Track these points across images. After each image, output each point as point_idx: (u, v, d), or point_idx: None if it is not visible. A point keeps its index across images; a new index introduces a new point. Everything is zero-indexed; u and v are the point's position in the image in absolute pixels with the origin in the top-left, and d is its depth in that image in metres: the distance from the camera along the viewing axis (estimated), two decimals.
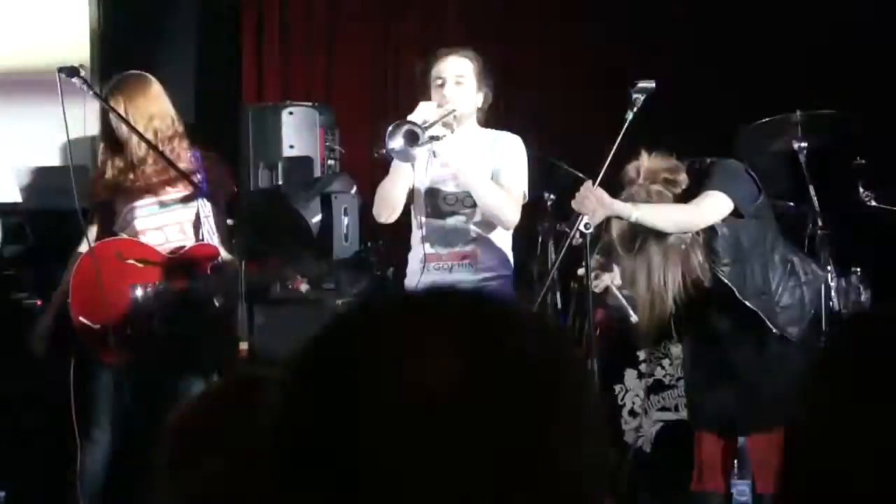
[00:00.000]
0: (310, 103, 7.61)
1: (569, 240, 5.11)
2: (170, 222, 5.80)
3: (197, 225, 5.85)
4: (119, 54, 8.07)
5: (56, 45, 8.55)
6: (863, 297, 6.30)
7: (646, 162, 5.06)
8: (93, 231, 5.76)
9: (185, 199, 5.78)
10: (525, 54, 8.34)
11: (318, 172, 7.09)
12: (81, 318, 5.61)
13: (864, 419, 1.54)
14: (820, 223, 6.24)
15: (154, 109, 5.73)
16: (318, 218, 6.78)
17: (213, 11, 8.75)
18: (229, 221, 5.97)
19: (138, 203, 5.73)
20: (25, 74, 8.67)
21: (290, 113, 7.35)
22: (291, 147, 7.18)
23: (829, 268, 6.03)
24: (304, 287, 5.70)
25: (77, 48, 8.49)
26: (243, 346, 5.40)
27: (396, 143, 5.20)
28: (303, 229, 6.61)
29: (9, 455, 6.53)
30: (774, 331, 5.08)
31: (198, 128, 6.76)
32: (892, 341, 1.60)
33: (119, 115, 5.61)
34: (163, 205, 5.78)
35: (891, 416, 1.52)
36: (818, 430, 1.59)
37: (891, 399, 1.54)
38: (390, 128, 5.23)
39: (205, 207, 5.78)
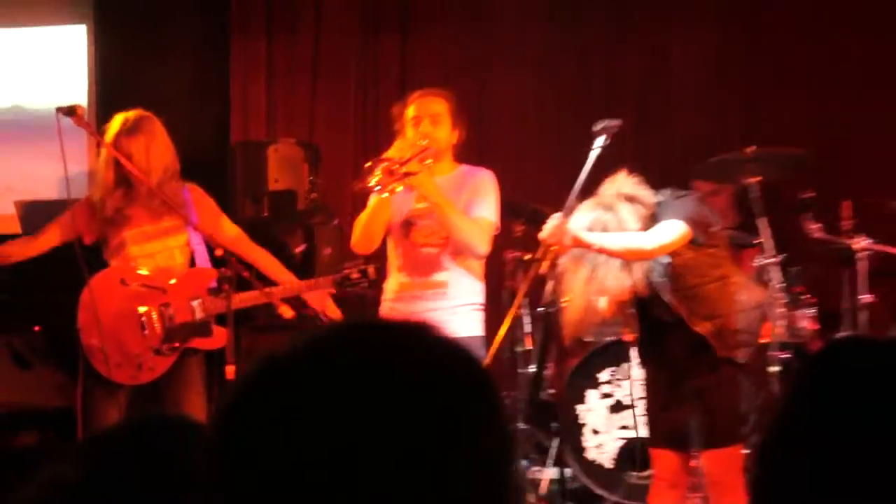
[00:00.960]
0: (293, 140, 7.79)
1: (535, 269, 5.13)
2: (159, 250, 5.77)
3: (185, 252, 5.84)
4: (115, 93, 8.15)
5: (54, 84, 8.71)
6: (805, 324, 6.39)
7: (620, 182, 5.06)
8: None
9: (175, 230, 5.77)
10: (499, 91, 8.27)
11: (301, 205, 7.29)
12: (92, 340, 5.59)
13: (820, 439, 1.62)
14: (770, 253, 6.19)
15: (169, 150, 5.77)
16: (301, 248, 6.92)
17: (204, 51, 8.84)
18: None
19: (129, 234, 5.74)
20: (26, 112, 8.81)
21: (276, 150, 7.55)
22: (276, 181, 7.41)
23: (777, 294, 6.06)
24: (287, 313, 5.70)
25: (75, 87, 8.66)
26: (230, 369, 5.43)
27: (375, 177, 5.19)
28: (287, 258, 6.63)
29: (18, 468, 6.63)
30: (725, 353, 5.00)
31: (188, 162, 6.83)
32: (871, 370, 1.66)
33: (121, 156, 5.57)
34: (154, 235, 5.76)
35: (869, 433, 1.59)
36: (777, 447, 1.68)
37: (869, 421, 1.61)
38: (369, 164, 5.26)
39: (195, 237, 5.76)
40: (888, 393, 1.61)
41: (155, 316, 5.66)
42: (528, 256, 5.97)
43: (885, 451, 1.56)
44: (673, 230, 4.91)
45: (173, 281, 5.74)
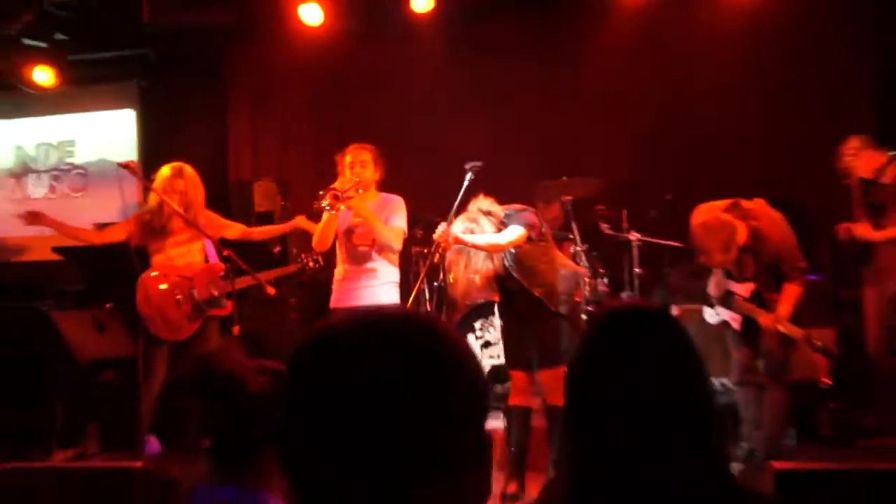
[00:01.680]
0: (271, 178, 7.84)
1: (431, 258, 5.25)
2: (185, 252, 5.79)
3: (202, 253, 5.83)
4: (153, 153, 8.10)
5: (116, 148, 8.73)
6: (602, 289, 6.54)
7: (480, 202, 5.16)
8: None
9: (195, 239, 5.79)
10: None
11: (276, 221, 7.19)
12: (146, 311, 5.66)
13: (602, 364, 1.73)
14: (579, 244, 6.41)
15: (201, 188, 5.81)
16: (278, 248, 6.95)
17: (210, 123, 8.73)
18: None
19: (167, 242, 5.76)
20: (102, 164, 8.81)
21: (259, 185, 7.67)
22: (260, 206, 7.56)
23: (584, 271, 6.26)
24: (270, 291, 5.64)
25: (128, 150, 8.72)
26: (236, 328, 5.37)
27: (326, 201, 5.20)
28: (269, 255, 6.77)
29: (101, 395, 6.65)
30: (553, 308, 5.13)
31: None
32: (635, 327, 1.74)
33: (164, 196, 5.60)
34: (182, 242, 5.79)
35: (617, 362, 1.70)
36: (580, 368, 1.78)
37: (616, 353, 1.72)
38: (322, 192, 5.25)
39: (208, 243, 5.79)
40: (639, 337, 1.72)
41: (185, 296, 5.73)
42: (426, 251, 5.95)
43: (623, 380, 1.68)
44: (516, 232, 5.05)
45: (196, 272, 5.78)
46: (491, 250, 5.13)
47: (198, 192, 5.83)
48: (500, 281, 5.28)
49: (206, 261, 5.87)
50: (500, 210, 5.23)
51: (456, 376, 1.06)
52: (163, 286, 5.74)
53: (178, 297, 5.74)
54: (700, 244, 5.23)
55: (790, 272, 5.21)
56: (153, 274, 5.76)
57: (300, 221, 5.88)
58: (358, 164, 5.50)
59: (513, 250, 5.16)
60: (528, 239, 5.16)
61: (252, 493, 1.92)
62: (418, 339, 1.07)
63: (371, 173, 5.55)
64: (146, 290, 5.73)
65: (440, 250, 5.21)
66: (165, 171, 5.78)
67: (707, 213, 5.21)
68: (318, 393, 1.03)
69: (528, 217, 5.23)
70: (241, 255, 5.53)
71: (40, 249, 8.55)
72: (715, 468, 1.67)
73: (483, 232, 5.14)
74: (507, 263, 5.20)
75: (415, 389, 1.02)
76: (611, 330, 1.77)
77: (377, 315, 1.11)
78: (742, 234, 5.13)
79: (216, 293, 5.77)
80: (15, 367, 6.79)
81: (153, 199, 5.78)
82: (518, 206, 5.32)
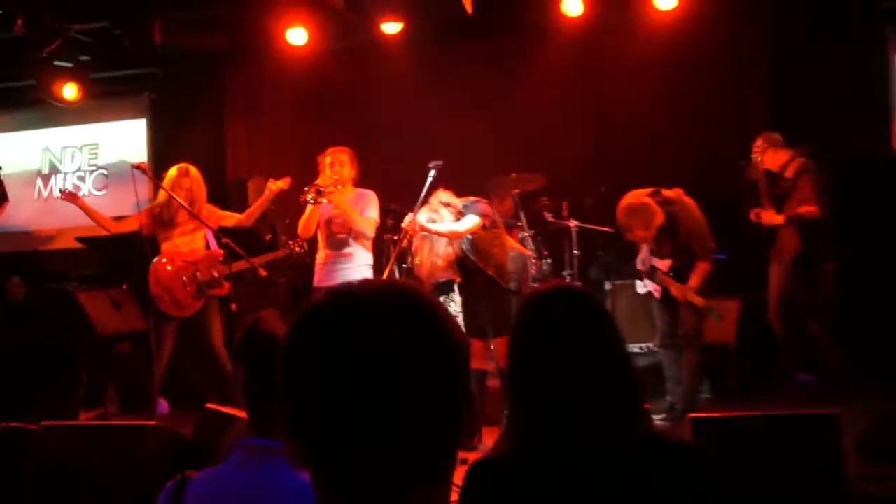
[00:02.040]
0: (262, 176, 7.33)
1: (400, 244, 5.37)
2: (189, 241, 5.75)
3: (203, 241, 5.78)
4: (162, 156, 8.10)
5: (130, 151, 8.66)
6: (546, 269, 6.54)
7: (440, 195, 5.19)
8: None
9: (198, 229, 5.75)
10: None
11: (268, 213, 7.09)
12: (156, 292, 5.64)
13: (532, 337, 1.74)
14: (526, 231, 6.45)
15: (203, 185, 5.77)
16: (269, 236, 6.92)
17: (210, 129, 8.70)
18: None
19: (174, 231, 5.72)
20: (117, 167, 8.75)
21: (252, 182, 7.60)
22: (252, 202, 7.45)
23: (531, 253, 6.22)
24: (263, 273, 5.64)
25: (140, 153, 8.67)
26: (233, 306, 5.41)
27: (311, 195, 5.25)
28: (261, 242, 6.72)
29: (119, 364, 6.64)
30: (504, 285, 5.15)
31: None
32: (550, 305, 1.76)
33: (172, 193, 5.58)
34: (187, 232, 5.75)
35: (544, 335, 1.70)
36: (514, 341, 1.80)
37: (542, 327, 1.73)
38: (306, 188, 5.29)
39: (209, 233, 5.76)
40: (561, 313, 1.74)
41: (190, 278, 5.70)
42: (396, 238, 5.97)
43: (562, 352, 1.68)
44: (472, 221, 5.10)
45: (199, 258, 5.75)
46: (451, 237, 5.13)
47: (201, 188, 5.79)
48: (459, 262, 5.26)
49: (208, 248, 5.83)
50: (458, 202, 5.23)
51: (443, 334, 1.00)
52: (171, 270, 5.69)
53: (184, 279, 5.70)
54: (624, 222, 5.29)
55: (700, 251, 5.27)
56: (162, 260, 5.71)
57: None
58: (336, 164, 5.45)
59: (470, 236, 5.18)
60: (483, 227, 5.16)
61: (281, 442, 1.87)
62: (406, 304, 1.01)
63: (348, 171, 5.50)
64: (157, 273, 5.69)
65: (407, 237, 5.22)
66: (173, 171, 5.75)
67: (633, 197, 5.27)
68: (315, 358, 0.97)
69: (483, 207, 5.23)
70: (236, 242, 5.50)
71: (65, 239, 8.59)
72: (632, 420, 1.68)
73: (444, 221, 5.14)
74: (464, 247, 5.20)
75: (406, 348, 0.96)
76: (537, 308, 1.78)
77: (366, 286, 1.04)
78: (660, 217, 5.19)
79: (216, 275, 5.72)
80: (46, 339, 6.64)
81: (162, 194, 5.75)
82: (474, 198, 5.31)
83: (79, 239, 7.53)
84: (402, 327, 0.97)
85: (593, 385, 1.65)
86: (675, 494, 1.58)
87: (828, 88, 6.98)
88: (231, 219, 5.92)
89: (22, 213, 8.99)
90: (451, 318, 1.02)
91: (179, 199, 5.58)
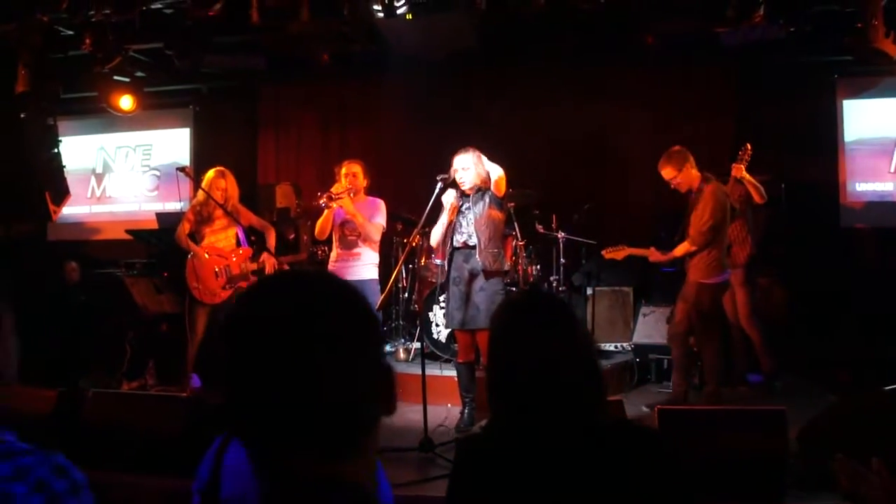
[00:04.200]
0: (288, 182, 7.75)
1: (409, 245, 5.06)
2: (223, 238, 5.69)
3: (235, 238, 5.72)
4: (203, 160, 7.98)
5: (174, 155, 8.70)
6: (536, 273, 6.43)
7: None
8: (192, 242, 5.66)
9: (231, 226, 5.69)
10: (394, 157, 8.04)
11: (293, 215, 7.25)
12: (192, 280, 5.60)
13: (507, 338, 1.71)
14: (519, 240, 6.01)
15: (236, 187, 5.74)
16: (292, 236, 6.81)
17: (245, 139, 8.69)
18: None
19: (210, 228, 5.66)
20: (166, 169, 8.82)
21: (280, 187, 7.57)
22: (280, 203, 7.46)
23: (527, 260, 6.24)
24: (286, 269, 5.60)
25: (184, 158, 8.68)
26: None
27: (322, 199, 5.23)
28: (285, 241, 6.62)
29: (159, 342, 6.58)
30: (501, 280, 4.87)
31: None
32: (523, 310, 1.73)
33: (211, 193, 5.56)
34: (221, 229, 5.69)
35: (512, 336, 1.69)
36: (491, 342, 1.74)
37: (508, 328, 1.71)
38: (319, 194, 5.28)
39: (241, 231, 5.71)
40: (532, 317, 1.70)
41: (222, 269, 5.67)
42: (404, 240, 5.82)
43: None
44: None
45: (230, 252, 5.70)
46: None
47: (234, 190, 5.76)
48: (451, 256, 5.05)
49: (239, 244, 5.78)
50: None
51: (348, 308, 0.97)
52: (206, 261, 5.67)
53: (216, 270, 5.67)
54: (662, 162, 5.25)
55: (693, 234, 5.19)
56: (202, 253, 5.68)
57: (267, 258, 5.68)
58: (350, 175, 5.43)
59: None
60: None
61: None
62: (317, 284, 0.99)
63: (361, 181, 5.48)
64: (193, 263, 5.67)
65: (416, 240, 5.06)
66: (211, 173, 5.74)
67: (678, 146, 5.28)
68: (245, 332, 0.94)
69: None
70: (264, 242, 5.58)
71: (112, 231, 8.62)
72: (596, 408, 1.66)
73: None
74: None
75: (318, 321, 0.93)
76: (511, 312, 1.75)
77: (287, 273, 1.02)
78: (693, 176, 5.20)
79: (245, 269, 5.71)
80: (96, 318, 6.83)
81: (201, 194, 5.71)
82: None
83: (128, 231, 7.55)
84: (316, 303, 0.95)
85: (563, 379, 1.62)
86: (637, 471, 1.58)
87: (785, 126, 7.08)
88: (257, 223, 5.89)
89: (79, 207, 9.05)
90: (354, 297, 1.00)
91: (214, 199, 5.59)
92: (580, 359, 1.66)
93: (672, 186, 5.31)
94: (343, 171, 5.48)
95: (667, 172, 5.24)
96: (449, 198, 4.94)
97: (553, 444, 1.59)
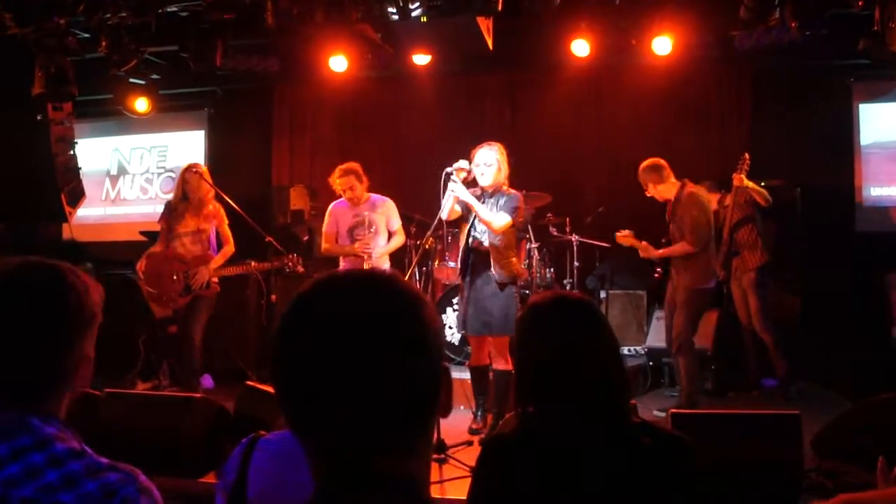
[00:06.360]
0: (303, 185, 7.77)
1: (423, 246, 5.13)
2: (194, 239, 5.55)
3: (206, 241, 5.56)
4: (219, 163, 8.02)
5: (189, 157, 8.45)
6: (549, 276, 6.43)
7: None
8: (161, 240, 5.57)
9: (203, 229, 5.56)
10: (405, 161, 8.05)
11: (307, 217, 7.31)
12: (148, 289, 5.51)
13: (534, 339, 1.73)
14: (533, 243, 6.35)
15: (209, 190, 5.60)
16: (306, 238, 6.90)
17: (259, 142, 8.67)
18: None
19: (182, 228, 5.54)
20: (176, 171, 8.48)
21: (294, 190, 7.58)
22: (294, 205, 7.48)
23: (540, 263, 6.29)
24: (300, 269, 5.56)
25: (199, 158, 8.55)
26: (273, 297, 5.58)
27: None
28: (299, 243, 6.72)
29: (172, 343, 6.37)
30: (515, 285, 4.79)
31: (253, 196, 6.75)
32: (547, 313, 1.75)
33: (212, 185, 5.52)
34: (193, 230, 5.56)
35: (541, 339, 1.70)
36: (522, 339, 1.78)
37: (537, 330, 1.73)
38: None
39: (212, 234, 5.58)
40: (557, 319, 1.72)
41: (181, 276, 5.54)
42: (418, 242, 5.85)
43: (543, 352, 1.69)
44: (504, 220, 4.72)
45: (192, 258, 5.54)
46: (482, 221, 4.73)
47: (208, 191, 5.61)
48: (467, 257, 4.92)
49: (220, 247, 5.67)
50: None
51: (423, 310, 0.96)
52: (164, 264, 5.61)
53: (174, 276, 5.58)
54: (641, 178, 5.37)
55: (689, 239, 5.23)
56: (156, 257, 5.59)
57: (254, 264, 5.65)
58: (349, 190, 5.54)
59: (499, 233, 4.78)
60: (511, 224, 4.80)
61: None
62: (379, 286, 0.97)
63: (360, 189, 5.57)
64: (149, 270, 5.62)
65: (429, 242, 5.15)
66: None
67: (654, 159, 5.37)
68: (324, 328, 0.93)
69: (519, 202, 4.84)
70: (259, 244, 5.52)
71: (126, 232, 8.63)
72: (620, 411, 1.67)
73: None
74: (491, 240, 4.82)
75: (380, 329, 0.92)
76: (535, 316, 1.75)
77: (347, 275, 0.99)
78: (671, 186, 5.30)
79: (206, 279, 5.56)
80: (109, 319, 6.74)
81: (175, 192, 5.67)
82: (513, 191, 4.88)
83: (142, 232, 7.54)
84: (377, 309, 0.94)
85: (590, 382, 1.63)
86: (659, 472, 1.59)
87: (800, 130, 7.00)
88: (226, 230, 5.70)
89: (93, 209, 9.09)
90: (424, 300, 0.99)
91: (222, 193, 5.52)
92: (608, 360, 1.67)
93: (649, 195, 5.39)
94: (338, 186, 5.53)
95: (647, 187, 5.35)
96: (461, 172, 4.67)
97: (581, 445, 1.60)
